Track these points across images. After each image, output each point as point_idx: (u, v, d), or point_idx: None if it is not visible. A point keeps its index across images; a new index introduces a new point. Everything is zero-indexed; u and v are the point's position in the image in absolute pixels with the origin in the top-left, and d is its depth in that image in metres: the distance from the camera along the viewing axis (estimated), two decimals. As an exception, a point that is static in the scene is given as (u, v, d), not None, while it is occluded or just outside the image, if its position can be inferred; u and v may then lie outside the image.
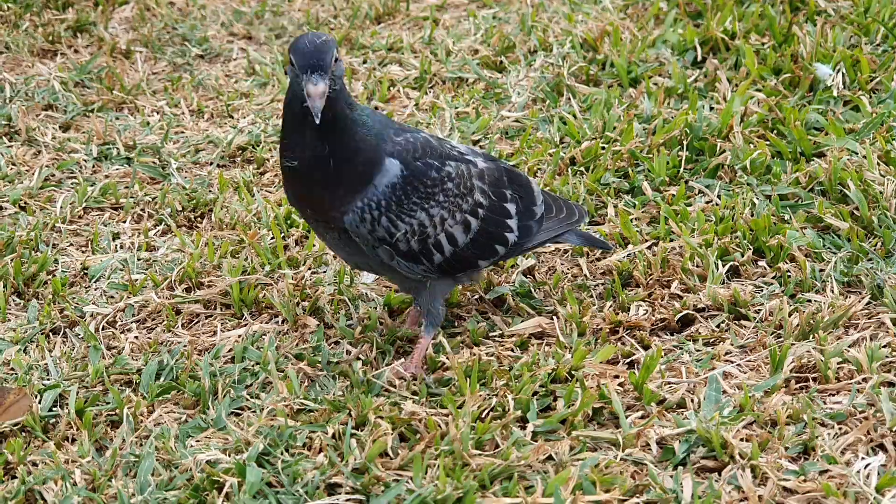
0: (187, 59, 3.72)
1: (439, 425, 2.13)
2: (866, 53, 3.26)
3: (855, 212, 2.67)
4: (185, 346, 2.41)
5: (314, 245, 2.69)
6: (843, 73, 3.18)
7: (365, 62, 3.63)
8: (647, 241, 2.67)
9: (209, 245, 2.69)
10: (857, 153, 2.86)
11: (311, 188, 2.19)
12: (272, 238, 2.73)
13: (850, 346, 2.29)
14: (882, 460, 2.03)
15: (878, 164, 2.78)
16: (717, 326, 2.41)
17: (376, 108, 3.35)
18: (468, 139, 3.13)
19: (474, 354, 2.34)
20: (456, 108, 3.28)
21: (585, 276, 2.59)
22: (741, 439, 2.09)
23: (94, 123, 3.24)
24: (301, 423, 2.17)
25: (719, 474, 2.04)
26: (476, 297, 2.55)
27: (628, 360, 2.35)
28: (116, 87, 3.47)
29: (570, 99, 3.26)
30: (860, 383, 2.21)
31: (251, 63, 3.63)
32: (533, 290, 2.54)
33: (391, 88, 3.44)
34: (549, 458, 2.09)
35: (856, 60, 3.22)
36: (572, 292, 2.49)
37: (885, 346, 2.28)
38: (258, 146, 3.17)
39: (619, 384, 2.26)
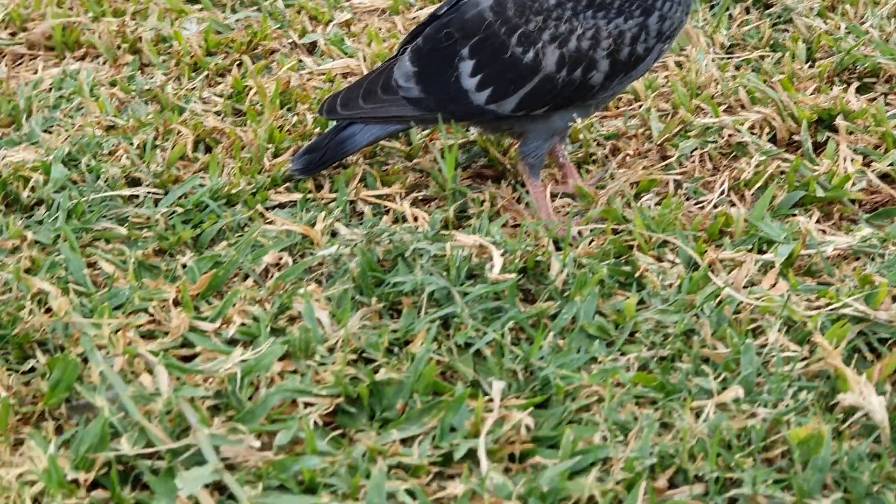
0: None
1: (240, 136, 2.27)
2: None
3: None
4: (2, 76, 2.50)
5: (140, -2, 2.80)
6: None
7: None
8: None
9: (37, -7, 2.77)
10: None
11: None
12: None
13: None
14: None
15: None
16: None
17: None
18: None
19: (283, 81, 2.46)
20: None
21: (400, 31, 2.73)
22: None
23: None
24: (110, 135, 2.29)
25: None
26: (290, 42, 2.68)
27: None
28: None
29: None
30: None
31: None
32: (345, 39, 2.67)
33: None
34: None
35: None
36: (377, 34, 2.64)
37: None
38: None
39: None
